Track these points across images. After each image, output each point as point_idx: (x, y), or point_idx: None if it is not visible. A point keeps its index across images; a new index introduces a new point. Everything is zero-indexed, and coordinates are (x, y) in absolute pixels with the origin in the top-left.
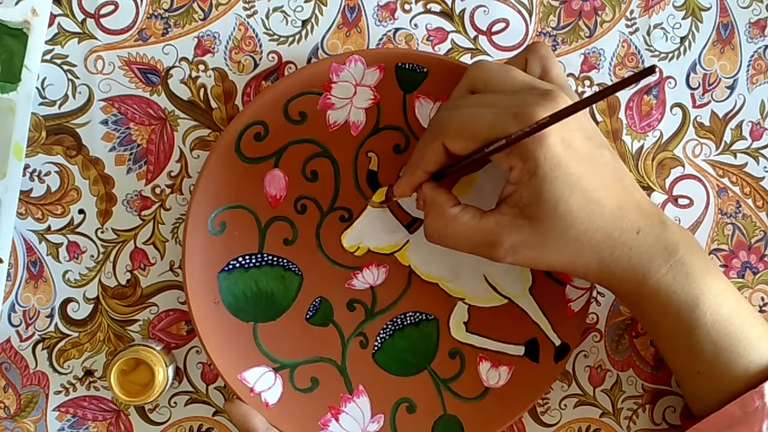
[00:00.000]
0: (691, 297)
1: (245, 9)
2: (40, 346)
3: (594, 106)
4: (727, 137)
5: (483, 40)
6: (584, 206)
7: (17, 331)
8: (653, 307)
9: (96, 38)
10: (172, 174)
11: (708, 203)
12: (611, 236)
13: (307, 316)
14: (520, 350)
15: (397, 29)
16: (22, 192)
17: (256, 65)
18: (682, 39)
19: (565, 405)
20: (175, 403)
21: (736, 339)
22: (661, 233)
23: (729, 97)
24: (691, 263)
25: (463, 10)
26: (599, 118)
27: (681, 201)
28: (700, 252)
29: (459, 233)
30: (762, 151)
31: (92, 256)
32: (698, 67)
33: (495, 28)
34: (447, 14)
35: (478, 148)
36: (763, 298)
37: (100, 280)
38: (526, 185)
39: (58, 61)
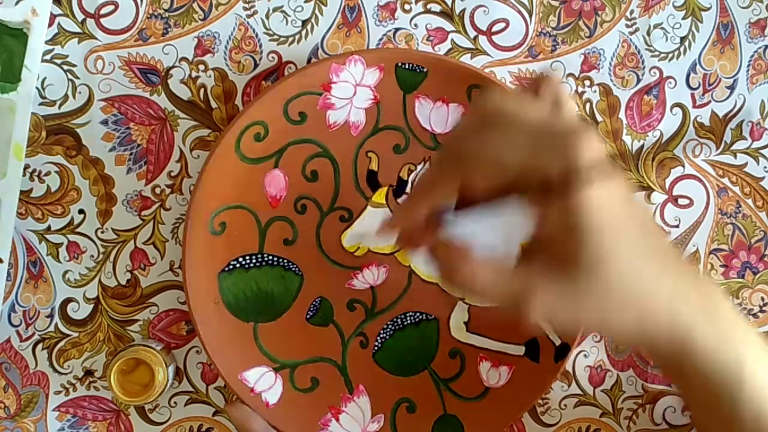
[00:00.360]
0: (733, 362)
1: (245, 9)
2: (40, 346)
3: (594, 105)
4: (727, 137)
5: (483, 40)
6: (626, 267)
7: (17, 331)
8: (693, 372)
9: (96, 38)
10: (172, 174)
11: (708, 203)
12: (651, 298)
13: (307, 316)
14: (520, 350)
15: (397, 29)
16: (22, 192)
17: (256, 65)
18: (682, 39)
19: (565, 405)
20: (175, 403)
21: None
22: (701, 294)
23: (729, 97)
24: (733, 328)
25: (463, 10)
26: (599, 118)
27: (681, 201)
28: (737, 314)
29: (487, 283)
30: (762, 151)
31: (92, 256)
32: (698, 67)
33: (495, 28)
34: (447, 14)
35: (501, 185)
36: (763, 298)
37: (100, 280)
38: (566, 238)
39: (58, 61)
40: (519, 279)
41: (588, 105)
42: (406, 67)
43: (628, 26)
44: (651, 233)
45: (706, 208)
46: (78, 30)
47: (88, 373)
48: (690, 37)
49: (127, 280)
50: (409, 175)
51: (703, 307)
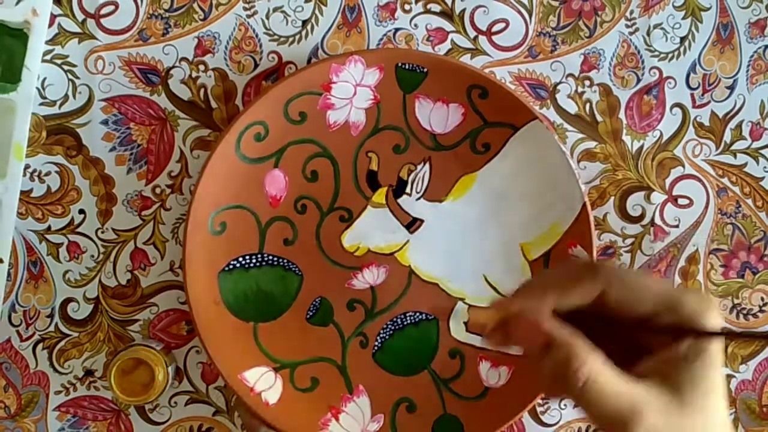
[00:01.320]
0: None
1: (245, 9)
2: (40, 346)
3: (594, 105)
4: (727, 137)
5: (483, 40)
6: (722, 405)
7: (17, 331)
8: None
9: (96, 38)
10: (173, 174)
11: (708, 203)
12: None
13: (307, 316)
14: (520, 350)
15: (397, 29)
16: (22, 192)
17: (256, 65)
18: (682, 39)
19: (565, 405)
20: (175, 403)
21: None
22: None
23: (729, 97)
24: None
25: (463, 10)
26: (599, 118)
27: (681, 201)
28: None
29: (599, 394)
30: (762, 151)
31: (92, 256)
32: (698, 67)
33: (495, 28)
34: (447, 14)
35: (639, 314)
36: (762, 298)
37: (100, 280)
38: (691, 364)
39: (59, 61)
40: (633, 397)
41: (588, 105)
42: (406, 67)
43: (627, 26)
44: None
45: (706, 208)
46: (78, 30)
47: (89, 373)
48: (690, 37)
49: (128, 280)
50: (408, 175)
51: None
